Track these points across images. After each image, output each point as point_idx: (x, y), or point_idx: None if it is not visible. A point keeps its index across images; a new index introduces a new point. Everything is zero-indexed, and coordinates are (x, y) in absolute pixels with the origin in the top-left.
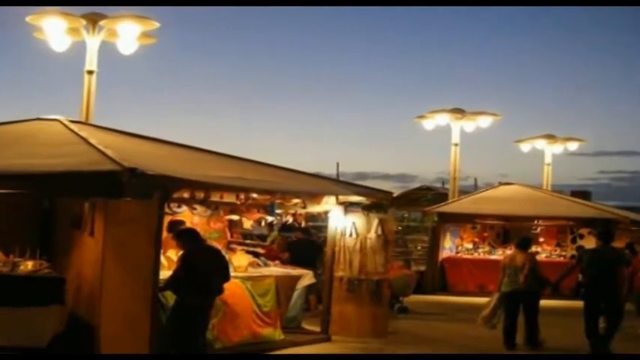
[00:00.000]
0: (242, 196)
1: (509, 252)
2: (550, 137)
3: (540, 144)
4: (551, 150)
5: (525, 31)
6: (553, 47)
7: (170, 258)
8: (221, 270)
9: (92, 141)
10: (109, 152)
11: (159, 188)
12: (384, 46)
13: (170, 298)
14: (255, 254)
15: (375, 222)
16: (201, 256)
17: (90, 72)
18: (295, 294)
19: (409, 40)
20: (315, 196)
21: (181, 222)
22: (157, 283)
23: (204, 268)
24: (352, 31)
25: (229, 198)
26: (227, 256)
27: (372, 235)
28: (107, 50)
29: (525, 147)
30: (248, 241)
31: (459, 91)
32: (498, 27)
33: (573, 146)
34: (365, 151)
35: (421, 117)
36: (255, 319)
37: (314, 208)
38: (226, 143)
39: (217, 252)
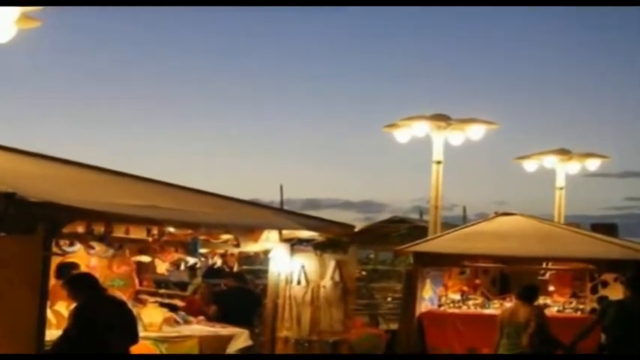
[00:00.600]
0: (155, 231)
1: (508, 305)
2: (563, 153)
3: (550, 161)
4: (564, 169)
5: (530, 18)
6: (564, 37)
7: (59, 312)
8: (126, 328)
9: None
10: None
11: (44, 220)
12: (342, 37)
13: None
14: (173, 308)
15: (332, 265)
16: (100, 309)
17: None
18: None
19: (376, 28)
20: (252, 231)
21: (74, 265)
22: (42, 345)
23: (104, 325)
24: (299, 19)
25: (138, 233)
26: (135, 311)
27: (328, 282)
28: None
29: (530, 165)
30: (163, 291)
31: (442, 93)
32: (493, 13)
33: (594, 164)
34: (317, 171)
35: (392, 126)
36: None
37: (250, 247)
38: (134, 161)
39: (121, 305)
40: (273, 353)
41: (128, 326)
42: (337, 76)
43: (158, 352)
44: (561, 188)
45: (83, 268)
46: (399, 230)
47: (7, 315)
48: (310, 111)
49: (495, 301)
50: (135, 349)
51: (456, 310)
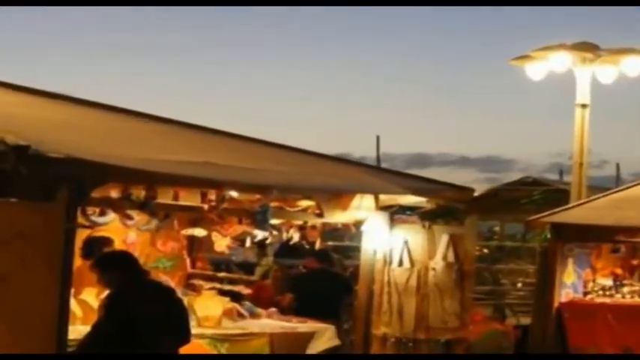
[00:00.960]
0: (212, 196)
1: None
2: None
3: None
4: None
5: None
6: None
7: (86, 302)
8: (175, 324)
9: None
10: None
11: (67, 181)
12: None
13: None
14: (236, 296)
15: (444, 241)
16: (140, 299)
17: None
18: None
19: None
20: (340, 196)
21: (106, 241)
22: (64, 345)
23: (146, 320)
24: None
25: (190, 199)
26: (186, 300)
27: (439, 263)
28: None
29: None
30: (222, 275)
31: (589, 18)
32: None
33: None
34: (424, 120)
35: (524, 58)
36: None
37: (337, 217)
38: (191, 105)
39: (169, 292)
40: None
41: (177, 321)
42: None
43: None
44: None
45: (118, 245)
46: (531, 195)
47: (19, 306)
48: (416, 42)
49: None
50: (187, 351)
51: (607, 300)
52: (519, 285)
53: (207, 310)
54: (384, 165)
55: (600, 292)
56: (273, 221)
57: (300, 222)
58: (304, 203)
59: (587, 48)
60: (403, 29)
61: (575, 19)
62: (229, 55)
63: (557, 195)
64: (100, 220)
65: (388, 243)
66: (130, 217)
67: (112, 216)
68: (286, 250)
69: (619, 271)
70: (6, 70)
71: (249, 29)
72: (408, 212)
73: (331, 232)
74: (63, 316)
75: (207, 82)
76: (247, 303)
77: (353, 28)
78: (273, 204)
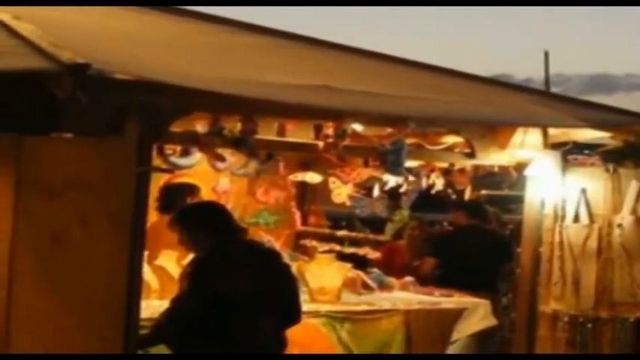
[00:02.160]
0: (329, 131)
1: None
2: None
3: None
4: None
5: None
6: None
7: (164, 270)
8: (280, 299)
9: None
10: (25, 30)
11: (140, 111)
12: None
13: None
14: (360, 262)
15: (633, 189)
16: (235, 267)
17: None
18: (452, 352)
19: None
20: (497, 130)
21: (191, 189)
22: (134, 326)
23: (242, 294)
24: None
25: (299, 134)
26: (295, 267)
27: (627, 218)
28: None
29: None
30: (343, 233)
31: None
32: None
33: None
34: (607, 32)
35: None
36: None
37: (492, 158)
38: (296, 14)
39: (272, 257)
40: (533, 339)
41: (283, 294)
42: None
43: (334, 338)
44: None
45: (206, 194)
46: None
47: (77, 273)
48: None
49: None
50: (296, 333)
51: None
52: None
53: (323, 279)
54: (554, 89)
55: None
56: (410, 163)
57: (444, 164)
58: (450, 140)
59: None
60: None
61: None
62: None
63: None
64: (183, 161)
65: (560, 192)
66: (221, 158)
67: (197, 156)
68: (426, 201)
69: None
70: None
71: None
72: (587, 152)
73: (485, 177)
74: (133, 288)
75: None
76: (375, 270)
77: None
78: (409, 141)
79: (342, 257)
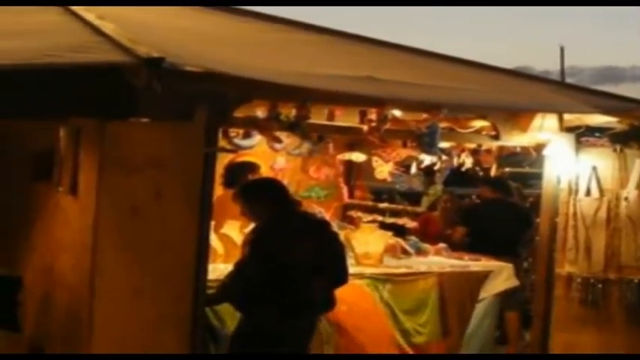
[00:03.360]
0: (373, 116)
1: None
2: None
3: None
4: None
5: None
6: None
7: (229, 238)
8: (330, 263)
9: (76, 9)
10: (107, 28)
11: (207, 99)
12: None
13: (229, 318)
14: (400, 230)
15: (638, 167)
16: (290, 234)
17: None
18: (479, 310)
19: None
20: (519, 116)
21: (252, 167)
22: (202, 287)
23: (296, 259)
24: None
25: (347, 119)
26: (343, 235)
27: (632, 192)
28: None
29: None
30: (384, 205)
31: None
32: None
33: None
34: (616, 28)
35: None
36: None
37: (515, 140)
38: (347, 18)
39: (323, 227)
40: (551, 298)
41: (332, 259)
42: None
43: (377, 297)
44: None
45: (265, 172)
46: None
47: (152, 240)
48: None
49: None
50: (343, 293)
51: None
52: None
53: (367, 246)
54: (569, 80)
55: None
56: (443, 144)
57: (473, 145)
58: (478, 124)
59: None
60: None
61: None
62: None
63: None
64: (245, 143)
65: (574, 169)
66: (278, 140)
67: (257, 138)
68: (457, 177)
69: None
70: None
71: None
72: (597, 134)
73: (508, 156)
74: (202, 254)
75: None
76: (413, 238)
77: None
78: (442, 124)
79: (384, 226)
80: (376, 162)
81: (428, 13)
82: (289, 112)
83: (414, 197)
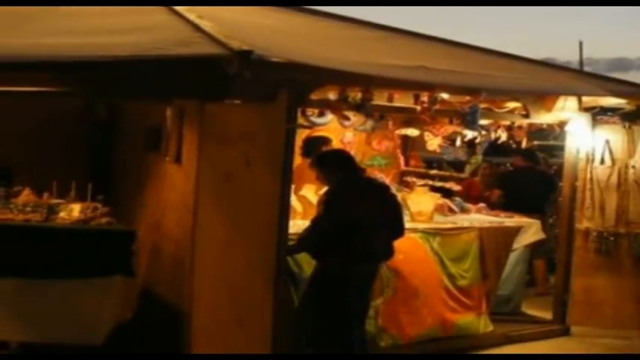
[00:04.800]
0: (424, 98)
1: None
2: None
3: None
4: None
5: None
6: None
7: (306, 198)
8: (389, 219)
9: (179, 9)
10: (205, 26)
11: (288, 84)
12: None
13: (306, 265)
14: (447, 192)
15: None
16: (357, 195)
17: None
18: (512, 258)
19: None
20: (545, 98)
21: (325, 140)
22: (284, 239)
23: (362, 215)
24: None
25: (403, 101)
26: (400, 196)
27: (638, 161)
28: None
29: None
30: (434, 172)
31: None
32: None
33: None
34: (626, 25)
35: None
36: (447, 298)
37: (542, 118)
38: (401, 17)
39: (383, 190)
40: (571, 249)
41: (391, 216)
42: None
43: (428, 248)
44: None
45: (336, 144)
46: None
47: (245, 199)
48: None
49: None
50: (400, 244)
51: None
52: None
53: (420, 205)
54: (586, 69)
55: None
56: (482, 122)
57: (507, 122)
58: (511, 105)
59: None
60: None
61: None
62: None
63: None
64: (319, 120)
65: (590, 142)
66: (347, 118)
67: (330, 117)
68: (494, 148)
69: None
70: None
71: None
72: (609, 113)
73: (536, 132)
74: (283, 211)
75: None
76: (457, 199)
77: None
78: (482, 105)
79: (434, 189)
80: (427, 136)
81: (459, 12)
82: (356, 95)
83: (458, 165)
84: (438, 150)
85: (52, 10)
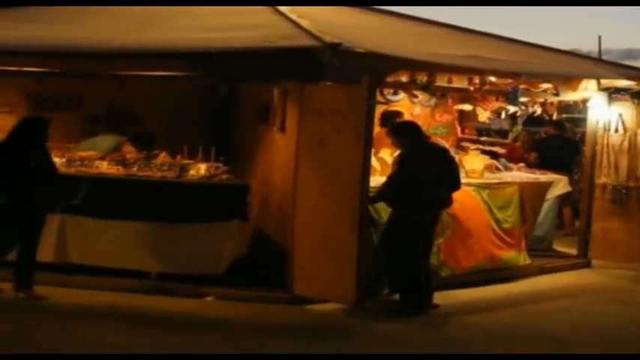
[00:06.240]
0: (476, 81)
1: None
2: None
3: None
4: None
5: None
6: None
7: (383, 159)
8: (449, 175)
9: (283, 9)
10: (304, 23)
11: (369, 70)
12: None
13: (383, 211)
14: (494, 155)
15: None
16: (423, 157)
17: None
18: (545, 206)
19: None
20: (571, 80)
21: (398, 113)
22: (366, 192)
23: (427, 172)
24: None
25: (460, 82)
26: (457, 158)
27: None
28: None
29: None
30: (484, 138)
31: None
32: None
33: None
34: (635, 22)
35: None
36: (494, 238)
37: (569, 96)
38: (454, 15)
39: (444, 152)
40: (592, 199)
41: (451, 173)
42: None
43: (479, 198)
44: None
45: (407, 117)
46: None
47: (334, 161)
48: None
49: None
50: (457, 195)
51: None
52: None
53: (473, 165)
54: (604, 57)
55: None
56: (522, 99)
57: (541, 99)
58: (545, 85)
59: None
60: None
61: None
62: None
63: None
64: (394, 98)
65: (607, 115)
66: (415, 96)
67: (402, 95)
68: (531, 120)
69: None
70: None
71: None
72: (622, 92)
73: (565, 107)
74: (365, 170)
75: None
76: (502, 160)
77: None
78: (521, 86)
79: (484, 152)
80: (479, 110)
81: (503, 12)
82: (422, 78)
83: (503, 133)
84: (487, 121)
85: (184, 10)
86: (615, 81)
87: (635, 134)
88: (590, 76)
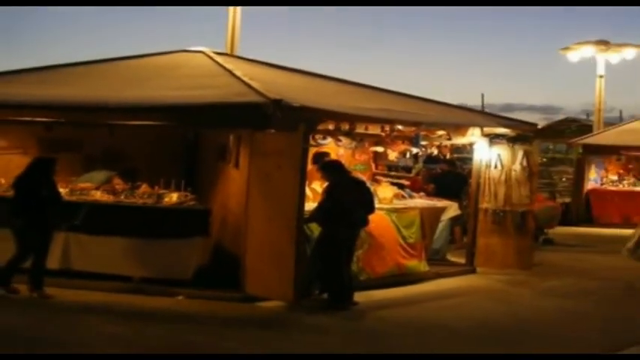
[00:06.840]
0: (387, 128)
1: None
2: None
3: None
4: None
5: None
6: None
7: (315, 190)
8: (366, 202)
9: (237, 73)
10: (254, 84)
11: (304, 120)
12: None
13: (315, 229)
14: (400, 186)
15: (520, 154)
16: (346, 187)
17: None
18: (440, 226)
19: None
20: (461, 128)
21: (326, 154)
22: (301, 214)
23: (349, 199)
24: None
25: (374, 130)
26: (372, 188)
27: (517, 166)
28: None
29: None
30: (393, 173)
31: (604, 23)
32: None
33: None
34: (510, 83)
35: (566, 49)
36: (400, 250)
37: (459, 140)
38: (370, 76)
39: (362, 184)
40: (477, 220)
41: (367, 200)
42: (525, 11)
43: (389, 219)
44: None
45: (333, 156)
46: (570, 128)
47: (277, 191)
48: (505, 38)
49: None
50: (372, 217)
51: (614, 188)
52: (564, 179)
53: (384, 193)
54: (486, 110)
55: (610, 184)
56: (422, 142)
57: (437, 143)
58: (440, 132)
59: (602, 43)
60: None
61: (595, 20)
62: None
63: (585, 128)
64: (323, 142)
65: (489, 155)
66: (340, 140)
67: (329, 140)
68: (430, 159)
69: (621, 171)
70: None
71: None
72: (500, 137)
73: (456, 148)
74: (301, 197)
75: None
76: (407, 190)
77: None
78: (422, 133)
79: (393, 184)
80: (389, 151)
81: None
82: (345, 126)
83: (408, 169)
84: (395, 160)
85: (160, 73)
86: (495, 128)
87: (510, 170)
88: (475, 125)
